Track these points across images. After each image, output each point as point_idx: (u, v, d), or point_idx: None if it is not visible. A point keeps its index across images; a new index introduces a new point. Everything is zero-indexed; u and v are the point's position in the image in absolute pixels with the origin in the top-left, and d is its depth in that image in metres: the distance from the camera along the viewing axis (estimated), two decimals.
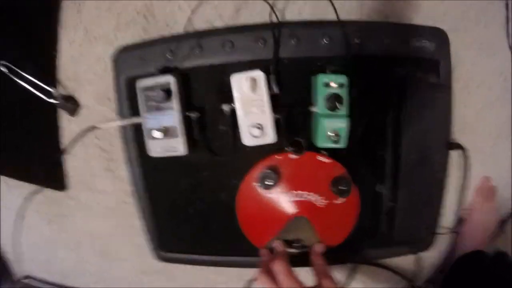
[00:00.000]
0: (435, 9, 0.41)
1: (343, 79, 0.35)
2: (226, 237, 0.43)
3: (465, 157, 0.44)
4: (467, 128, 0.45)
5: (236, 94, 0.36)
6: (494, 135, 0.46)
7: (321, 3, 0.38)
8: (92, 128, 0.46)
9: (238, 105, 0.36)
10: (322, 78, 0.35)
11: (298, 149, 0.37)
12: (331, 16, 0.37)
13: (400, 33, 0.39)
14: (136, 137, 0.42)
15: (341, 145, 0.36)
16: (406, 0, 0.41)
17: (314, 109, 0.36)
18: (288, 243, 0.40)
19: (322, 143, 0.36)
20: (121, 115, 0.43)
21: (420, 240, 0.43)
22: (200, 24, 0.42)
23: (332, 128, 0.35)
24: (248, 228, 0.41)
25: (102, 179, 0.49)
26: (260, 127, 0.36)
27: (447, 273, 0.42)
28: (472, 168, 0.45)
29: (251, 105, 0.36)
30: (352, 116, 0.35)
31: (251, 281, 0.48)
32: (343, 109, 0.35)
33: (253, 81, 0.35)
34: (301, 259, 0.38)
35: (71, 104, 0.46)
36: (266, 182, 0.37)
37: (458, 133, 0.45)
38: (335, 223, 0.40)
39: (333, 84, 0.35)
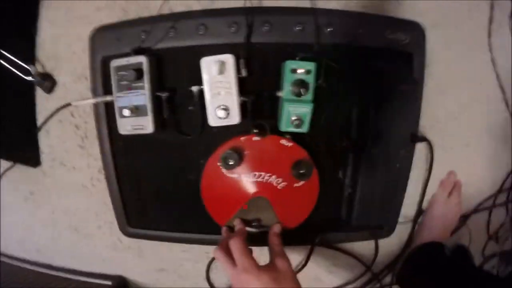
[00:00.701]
0: (416, 5, 0.41)
1: (310, 65, 0.35)
2: (192, 215, 0.44)
3: (430, 150, 0.45)
4: (438, 126, 0.46)
5: (205, 76, 0.37)
6: (464, 135, 0.47)
7: None
8: (67, 105, 0.46)
9: (206, 87, 0.37)
10: (290, 64, 0.36)
11: (261, 132, 0.38)
12: (308, 4, 0.37)
13: (374, 24, 0.40)
14: (108, 115, 0.43)
15: (304, 130, 0.37)
16: None
17: (280, 93, 0.37)
18: (248, 222, 0.41)
19: (285, 127, 0.37)
20: (95, 93, 0.43)
21: (380, 227, 0.44)
22: (179, 7, 0.42)
23: (295, 113, 0.36)
24: (211, 206, 0.42)
25: (76, 156, 0.49)
26: (226, 108, 0.37)
27: (404, 261, 0.43)
28: (440, 165, 0.46)
29: (219, 88, 0.37)
30: (318, 103, 0.36)
31: (213, 258, 0.49)
32: (308, 95, 0.36)
33: (222, 64, 0.36)
34: (260, 238, 0.39)
35: (48, 82, 0.46)
36: (229, 162, 0.38)
37: (429, 130, 0.45)
38: (294, 205, 0.41)
39: (300, 71, 0.35)
